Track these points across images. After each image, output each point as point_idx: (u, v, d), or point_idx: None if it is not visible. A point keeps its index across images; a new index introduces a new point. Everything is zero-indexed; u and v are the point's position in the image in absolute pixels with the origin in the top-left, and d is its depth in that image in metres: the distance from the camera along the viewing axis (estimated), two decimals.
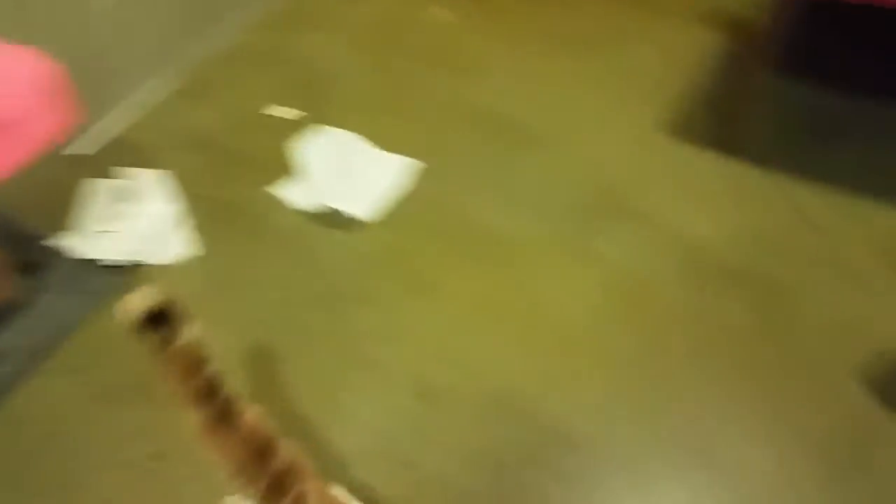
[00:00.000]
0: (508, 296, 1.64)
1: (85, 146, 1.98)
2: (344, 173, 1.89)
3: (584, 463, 1.36)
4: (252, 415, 0.92)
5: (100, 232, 1.75)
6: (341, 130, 2.02)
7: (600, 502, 1.31)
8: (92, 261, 1.69)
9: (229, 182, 1.92)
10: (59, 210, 1.80)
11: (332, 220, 1.81)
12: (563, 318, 1.59)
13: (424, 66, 2.27)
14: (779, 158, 1.90)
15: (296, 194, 1.85)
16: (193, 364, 0.88)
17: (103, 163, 1.92)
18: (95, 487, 1.35)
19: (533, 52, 2.33)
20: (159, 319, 0.86)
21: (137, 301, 0.86)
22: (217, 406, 0.89)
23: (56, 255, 1.70)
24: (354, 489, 1.28)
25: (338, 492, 1.04)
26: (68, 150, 1.95)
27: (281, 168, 1.93)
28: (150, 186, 1.85)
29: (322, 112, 2.10)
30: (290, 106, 2.12)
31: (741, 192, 1.84)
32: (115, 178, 1.88)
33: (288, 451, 0.93)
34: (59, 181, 1.85)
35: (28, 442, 1.42)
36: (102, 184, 1.85)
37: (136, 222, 1.77)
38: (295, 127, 2.04)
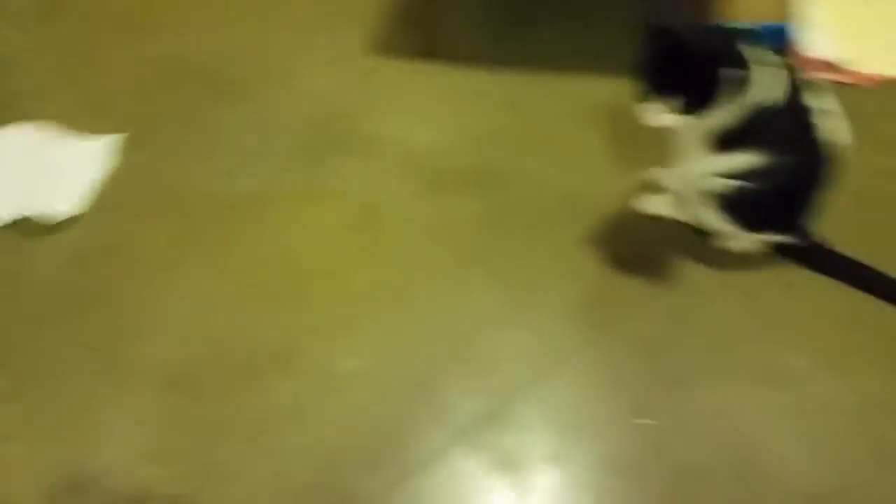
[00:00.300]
0: (253, 256, 1.58)
1: None
2: (34, 171, 1.67)
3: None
4: None
5: None
6: (19, 125, 1.78)
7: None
8: None
9: None
10: None
11: (35, 227, 1.61)
12: (314, 263, 1.56)
13: (107, 30, 2.07)
14: (483, 53, 1.97)
15: None
16: None
17: None
18: None
19: None
20: None
21: None
22: None
23: None
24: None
25: None
26: None
27: None
28: None
29: None
30: None
31: (455, 95, 1.89)
32: None
33: None
34: None
35: None
36: None
37: None
38: None
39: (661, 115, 1.28)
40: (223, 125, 1.83)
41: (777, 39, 1.89)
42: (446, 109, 1.86)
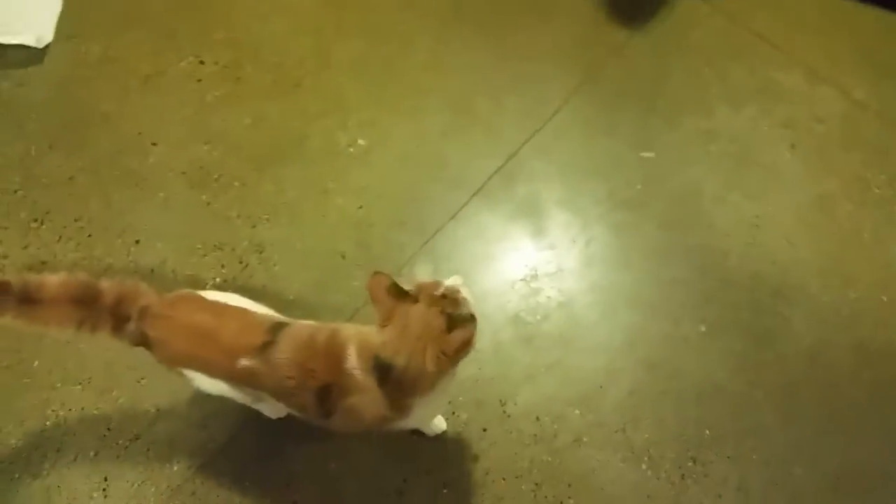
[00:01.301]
0: (236, 48, 1.53)
1: None
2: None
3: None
4: (54, 279, 0.92)
5: None
6: None
7: None
8: None
9: None
10: None
11: (12, 60, 1.54)
12: (299, 47, 1.53)
13: None
14: None
15: None
16: None
17: None
18: None
19: None
20: None
21: None
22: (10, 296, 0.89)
23: None
24: None
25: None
26: None
27: None
28: None
29: None
30: None
31: None
32: None
33: (110, 286, 0.93)
34: None
35: None
36: None
37: None
38: None
39: None
40: None
41: None
42: None
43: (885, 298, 1.27)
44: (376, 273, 0.86)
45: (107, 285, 0.93)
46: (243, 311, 0.95)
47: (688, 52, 1.48)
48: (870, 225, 1.32)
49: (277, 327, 0.91)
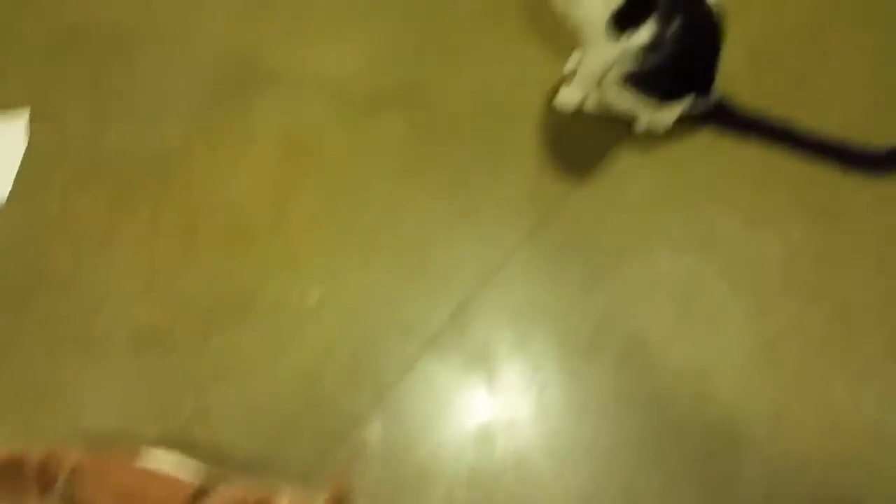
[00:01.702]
0: (193, 208, 1.57)
1: None
2: None
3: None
4: None
5: None
6: None
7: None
8: None
9: None
10: None
11: None
12: (253, 204, 1.58)
13: None
14: None
15: None
16: None
17: None
18: None
19: None
20: None
21: None
22: None
23: None
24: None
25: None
26: None
27: None
28: None
29: None
30: None
31: (358, 13, 1.87)
32: None
33: (36, 451, 0.93)
34: None
35: None
36: None
37: None
38: None
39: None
40: (131, 83, 1.77)
41: None
42: (353, 30, 1.83)
43: (834, 444, 1.28)
44: None
45: (32, 452, 0.92)
46: (169, 478, 0.93)
47: (628, 201, 1.54)
48: (814, 369, 1.35)
49: (202, 493, 0.89)
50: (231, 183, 1.61)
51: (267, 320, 1.42)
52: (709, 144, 1.58)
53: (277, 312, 1.43)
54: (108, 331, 1.41)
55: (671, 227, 1.50)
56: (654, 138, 1.58)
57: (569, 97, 1.62)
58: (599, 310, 1.42)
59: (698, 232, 1.49)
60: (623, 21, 1.36)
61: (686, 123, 1.57)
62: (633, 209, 1.53)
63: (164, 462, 0.95)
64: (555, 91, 1.65)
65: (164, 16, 1.89)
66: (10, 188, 1.58)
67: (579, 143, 1.62)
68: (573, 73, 1.61)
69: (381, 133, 1.66)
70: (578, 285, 1.45)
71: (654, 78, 1.43)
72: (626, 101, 1.50)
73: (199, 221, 1.56)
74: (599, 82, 1.51)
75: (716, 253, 1.46)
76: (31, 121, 1.69)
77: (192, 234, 1.54)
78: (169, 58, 1.81)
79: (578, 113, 1.63)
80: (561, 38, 1.51)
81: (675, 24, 1.36)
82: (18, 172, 1.60)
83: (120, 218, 1.56)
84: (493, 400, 1.34)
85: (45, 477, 0.90)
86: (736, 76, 1.57)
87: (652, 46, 1.38)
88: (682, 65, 1.42)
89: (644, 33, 1.37)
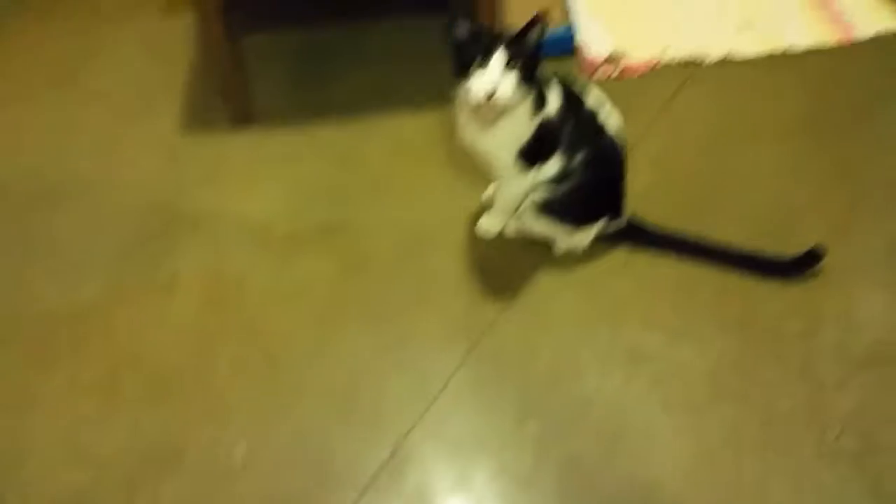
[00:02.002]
0: (113, 364, 1.52)
1: None
2: None
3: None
4: None
5: None
6: None
7: None
8: None
9: None
10: None
11: None
12: (177, 356, 1.54)
13: None
14: (297, 111, 2.01)
15: None
16: None
17: None
18: None
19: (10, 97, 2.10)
20: None
21: None
22: None
23: None
24: None
25: None
26: None
27: None
28: None
29: None
30: None
31: (279, 158, 1.91)
32: None
33: None
34: None
35: None
36: None
37: None
38: None
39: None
40: (50, 237, 1.75)
41: (561, 45, 2.07)
42: (273, 174, 1.87)
43: None
44: None
45: None
46: None
47: (554, 322, 1.56)
48: (752, 473, 1.35)
49: None
50: (153, 334, 1.57)
51: (192, 478, 1.35)
52: (625, 261, 1.63)
53: (204, 469, 1.36)
54: (24, 497, 1.32)
55: (597, 346, 1.52)
56: (574, 258, 1.63)
57: (489, 225, 1.68)
58: (536, 435, 1.40)
59: (623, 349, 1.51)
60: (530, 156, 1.43)
61: (603, 242, 1.63)
62: (560, 329, 1.55)
63: None
64: (476, 219, 1.70)
65: (85, 168, 1.91)
66: None
67: (503, 268, 1.66)
68: (491, 200, 1.66)
69: (305, 273, 1.66)
70: (513, 412, 1.44)
71: (566, 205, 1.51)
72: (542, 226, 1.56)
73: (121, 376, 1.50)
74: (516, 210, 1.56)
75: (641, 368, 1.48)
76: None
77: (113, 389, 1.48)
78: (90, 209, 1.81)
79: (500, 238, 1.68)
80: (477, 169, 1.57)
81: (580, 157, 1.46)
82: None
83: (38, 377, 1.50)
84: None
85: None
86: (645, 196, 1.66)
87: (560, 178, 1.47)
88: (591, 192, 1.51)
89: (552, 166, 1.46)
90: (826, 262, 1.56)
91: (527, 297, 1.60)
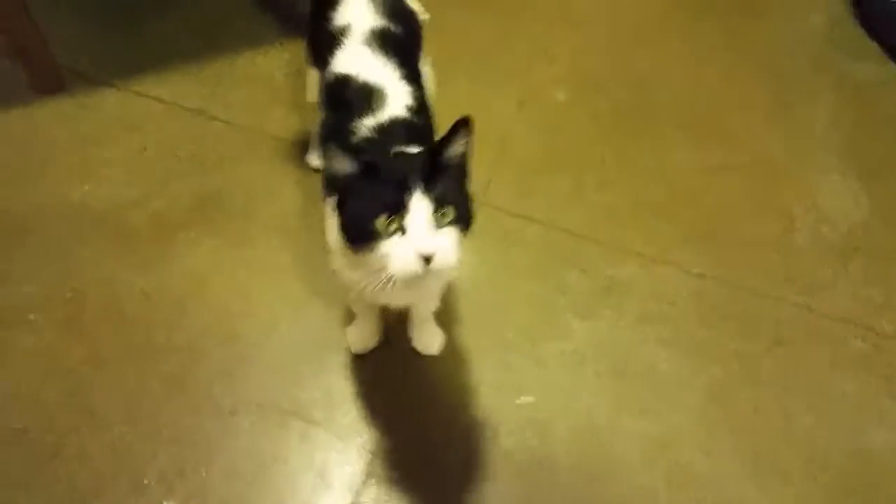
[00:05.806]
0: None
1: None
2: None
3: None
4: None
5: None
6: None
7: None
8: None
9: None
10: None
11: None
12: None
13: None
14: (107, 67, 1.57)
15: None
16: None
17: None
18: None
19: None
20: None
21: None
22: None
23: None
24: None
25: None
26: None
27: None
28: None
29: None
30: None
31: (107, 128, 1.48)
32: None
33: None
34: None
35: None
36: None
37: None
38: None
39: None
40: None
41: None
42: (108, 149, 1.46)
43: (821, 479, 1.14)
44: None
45: None
46: None
47: (517, 273, 1.33)
48: (771, 405, 1.21)
49: None
50: None
51: None
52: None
53: None
54: None
55: (569, 289, 1.32)
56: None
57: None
58: (535, 408, 1.19)
59: (599, 286, 1.32)
60: None
61: None
62: (524, 279, 1.33)
63: None
64: None
65: None
66: None
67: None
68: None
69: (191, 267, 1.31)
70: (501, 384, 1.21)
71: None
72: None
73: None
74: None
75: (624, 303, 1.31)
76: None
77: None
78: None
79: None
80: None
81: None
82: None
83: None
84: None
85: None
86: None
87: None
88: None
89: None
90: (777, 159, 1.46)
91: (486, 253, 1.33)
